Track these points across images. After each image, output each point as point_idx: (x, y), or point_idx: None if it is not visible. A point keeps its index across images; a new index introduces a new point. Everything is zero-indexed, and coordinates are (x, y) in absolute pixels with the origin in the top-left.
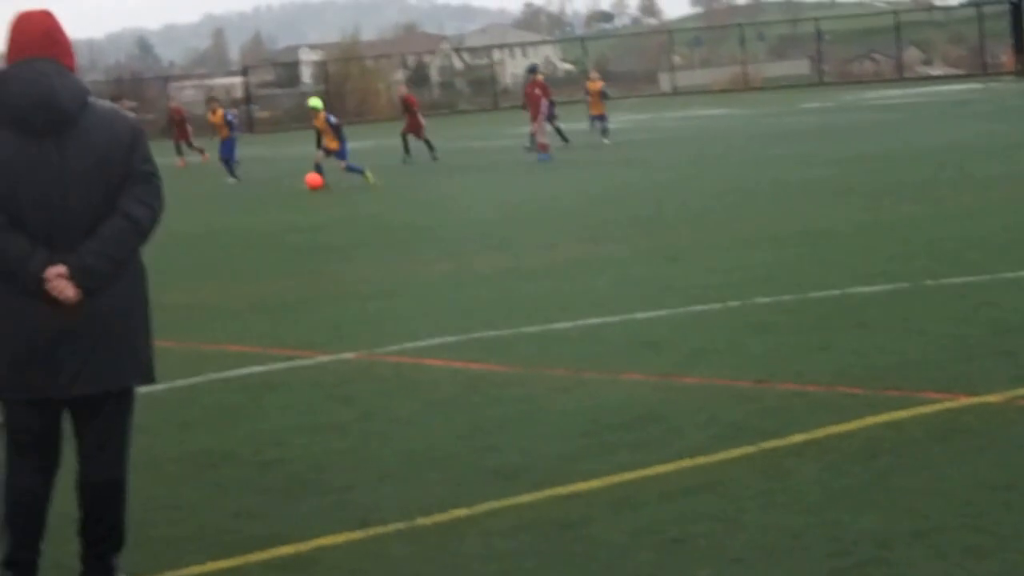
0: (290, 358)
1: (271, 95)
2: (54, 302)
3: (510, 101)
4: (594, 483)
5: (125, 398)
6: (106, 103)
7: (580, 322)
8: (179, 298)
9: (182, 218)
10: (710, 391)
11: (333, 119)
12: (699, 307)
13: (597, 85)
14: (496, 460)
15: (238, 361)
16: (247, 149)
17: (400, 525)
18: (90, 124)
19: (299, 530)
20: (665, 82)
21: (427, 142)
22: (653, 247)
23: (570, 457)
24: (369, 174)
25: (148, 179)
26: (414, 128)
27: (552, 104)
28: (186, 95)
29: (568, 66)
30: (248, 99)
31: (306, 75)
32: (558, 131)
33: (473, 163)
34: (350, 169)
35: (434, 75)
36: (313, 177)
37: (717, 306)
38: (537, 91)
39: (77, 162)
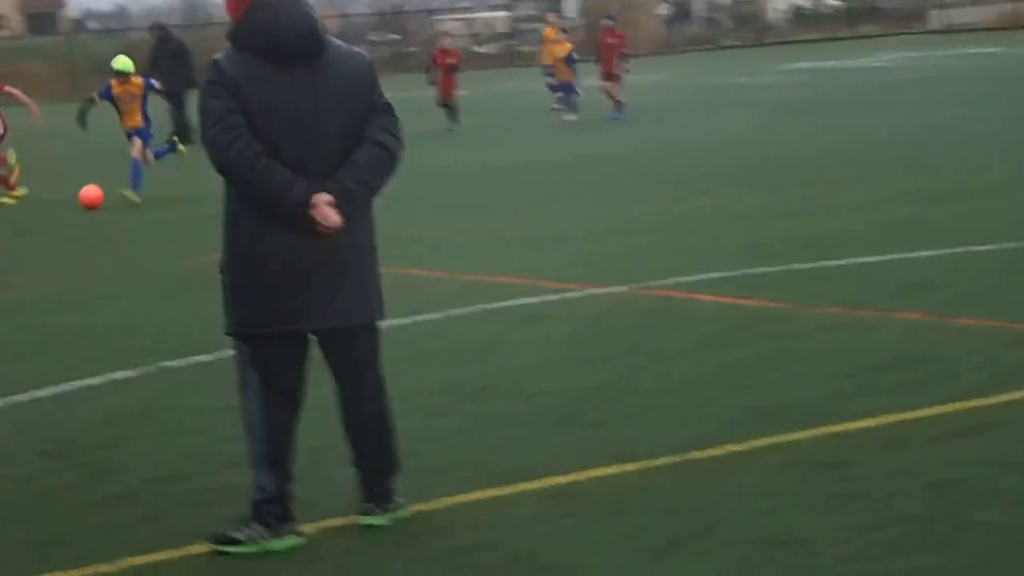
0: (557, 291)
1: (533, 29)
2: (311, 231)
3: (774, 37)
4: (863, 423)
5: (373, 331)
6: (337, 40)
7: (849, 260)
8: (450, 230)
9: (439, 153)
10: (985, 333)
11: (156, 83)
12: (972, 248)
13: (565, 47)
14: (762, 397)
15: (506, 292)
16: (509, 84)
17: (668, 459)
18: (334, 57)
19: (565, 461)
20: (934, 19)
21: (449, 108)
22: (920, 188)
23: (839, 396)
24: (182, 147)
25: (389, 111)
26: (446, 90)
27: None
28: (449, 28)
29: (835, 2)
30: (512, 33)
31: (568, 9)
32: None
33: (735, 100)
34: (158, 156)
35: (697, 10)
36: (91, 192)
37: (991, 247)
38: (611, 40)
39: (328, 93)
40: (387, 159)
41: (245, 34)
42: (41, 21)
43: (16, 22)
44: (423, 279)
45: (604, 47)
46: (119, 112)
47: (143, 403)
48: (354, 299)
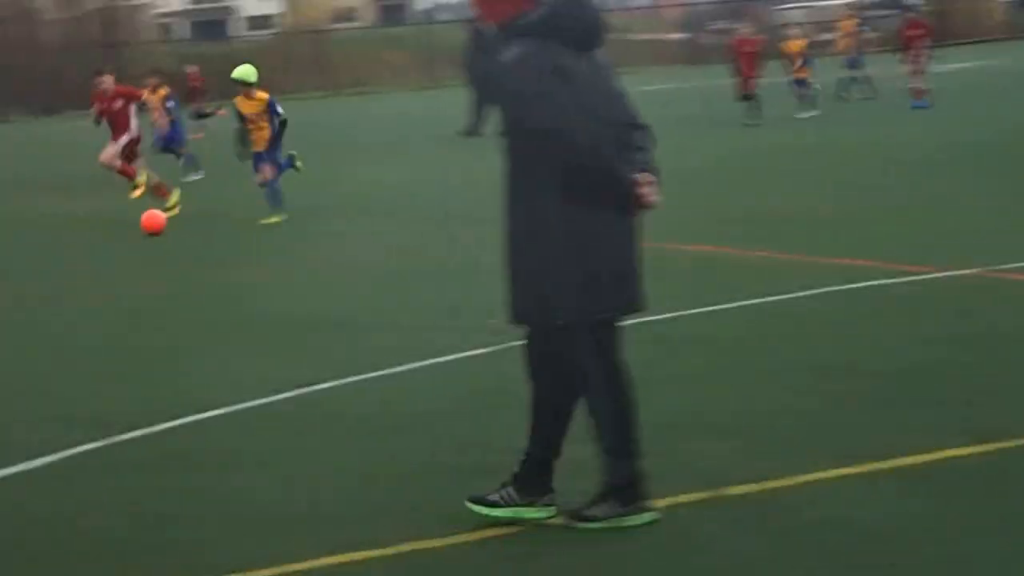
0: (905, 273)
1: (878, 16)
2: (629, 214)
3: None
4: None
5: None
6: None
7: None
8: (782, 210)
9: (783, 134)
10: None
11: (280, 108)
12: None
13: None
14: None
15: (854, 274)
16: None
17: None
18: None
19: (918, 441)
20: None
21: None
22: None
23: None
24: (300, 164)
25: (629, 98)
26: (745, 81)
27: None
28: (793, 17)
29: None
30: (860, 21)
31: None
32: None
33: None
34: (274, 197)
35: None
36: (153, 217)
37: None
38: (915, 32)
39: (607, 78)
40: (654, 144)
41: (554, 23)
42: (393, 12)
43: (368, 13)
44: (777, 261)
45: (910, 38)
46: (247, 131)
47: (497, 379)
48: None
